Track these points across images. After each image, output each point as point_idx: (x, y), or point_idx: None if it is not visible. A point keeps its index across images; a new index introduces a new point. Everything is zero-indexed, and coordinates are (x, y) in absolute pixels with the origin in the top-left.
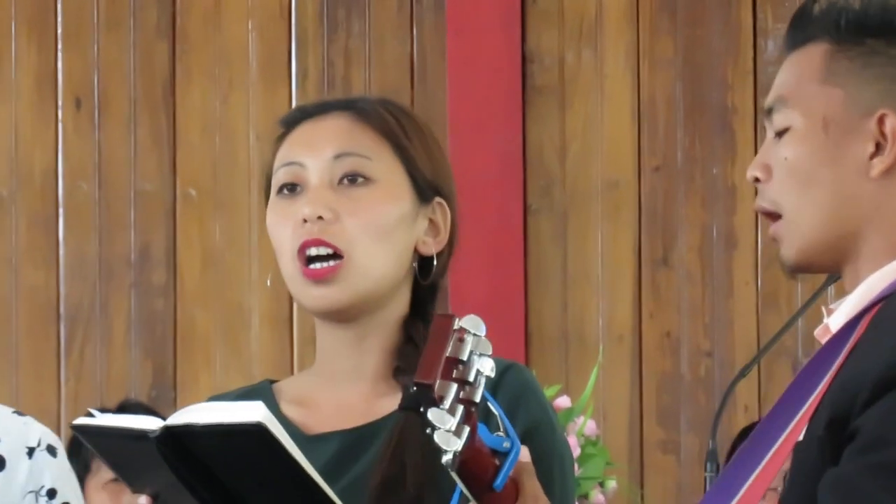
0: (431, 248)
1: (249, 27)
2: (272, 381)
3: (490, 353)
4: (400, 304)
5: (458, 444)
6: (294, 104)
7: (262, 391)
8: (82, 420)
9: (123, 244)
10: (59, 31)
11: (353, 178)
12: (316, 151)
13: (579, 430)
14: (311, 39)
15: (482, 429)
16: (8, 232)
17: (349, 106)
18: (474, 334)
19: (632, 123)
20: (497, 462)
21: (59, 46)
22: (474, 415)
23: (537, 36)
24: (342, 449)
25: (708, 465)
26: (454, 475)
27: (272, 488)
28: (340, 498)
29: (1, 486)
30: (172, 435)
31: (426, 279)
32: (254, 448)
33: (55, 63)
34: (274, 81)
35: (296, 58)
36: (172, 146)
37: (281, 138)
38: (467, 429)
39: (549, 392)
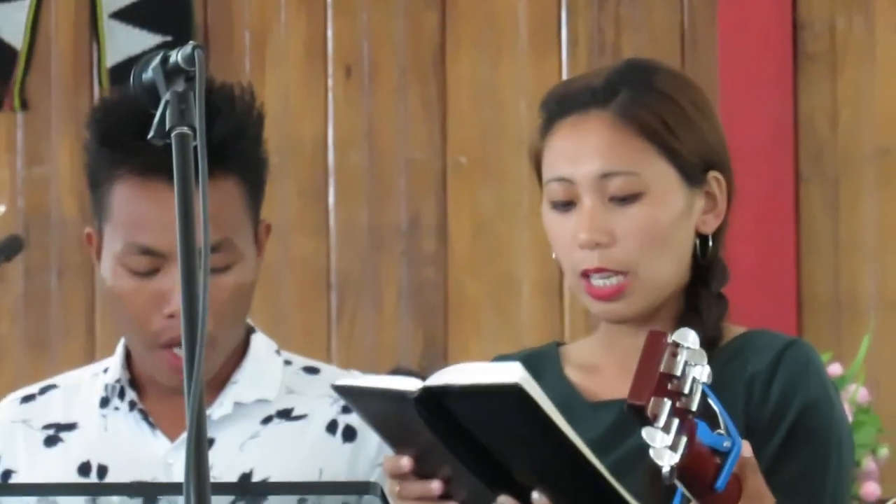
0: (711, 225)
1: None
2: (559, 344)
3: (705, 362)
4: (683, 279)
5: (674, 458)
6: (565, 72)
7: (549, 353)
8: (344, 380)
9: (394, 213)
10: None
11: (623, 199)
12: (582, 166)
13: (851, 398)
14: (582, 6)
15: (703, 427)
16: (279, 201)
17: (608, 100)
18: (687, 347)
19: None
20: (718, 461)
21: (329, 15)
22: (691, 421)
23: (808, 2)
24: (622, 418)
25: None
26: (676, 482)
27: (532, 451)
28: (614, 468)
29: (351, 456)
30: (431, 395)
31: (705, 254)
32: (512, 409)
33: (325, 32)
34: (544, 49)
35: (566, 25)
36: (442, 115)
37: (543, 132)
38: (684, 439)
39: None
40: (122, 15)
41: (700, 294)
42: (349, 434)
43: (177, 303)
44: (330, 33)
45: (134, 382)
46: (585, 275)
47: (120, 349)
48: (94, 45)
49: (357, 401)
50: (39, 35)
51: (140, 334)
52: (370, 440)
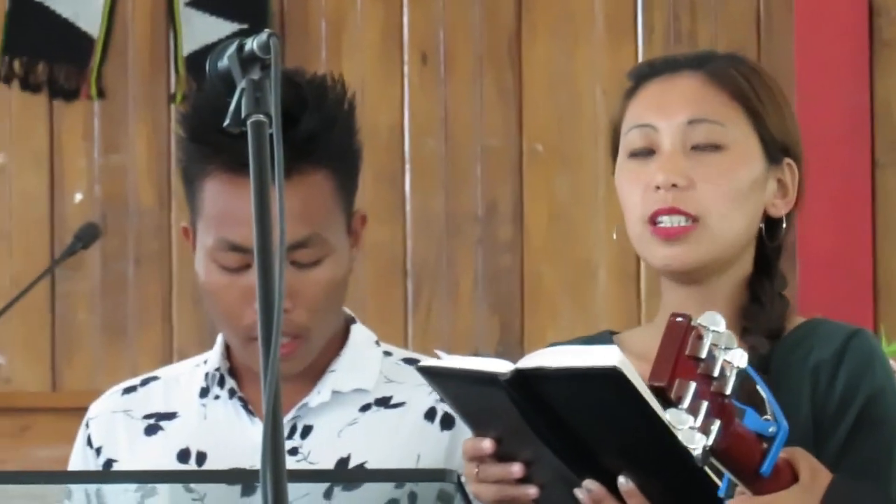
0: (780, 209)
1: None
2: (612, 332)
3: (735, 345)
4: (746, 265)
5: (705, 440)
6: (640, 59)
7: (602, 341)
8: (429, 361)
9: (470, 200)
10: None
11: (706, 147)
12: (668, 114)
13: None
14: None
15: (750, 413)
16: None
17: (700, 65)
18: (714, 330)
19: None
20: (764, 447)
21: (405, 2)
22: (728, 406)
23: None
24: None
25: None
26: (717, 464)
27: (623, 435)
28: None
29: (449, 443)
30: (523, 378)
31: (773, 241)
32: (608, 393)
33: (401, 19)
34: (619, 36)
35: (642, 12)
36: (518, 102)
37: (629, 94)
38: (717, 422)
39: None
40: (198, 3)
41: (764, 287)
42: (448, 422)
43: None
44: (406, 20)
45: (233, 371)
46: (654, 219)
47: (220, 339)
48: (171, 33)
49: (441, 382)
50: (116, 23)
51: (233, 328)
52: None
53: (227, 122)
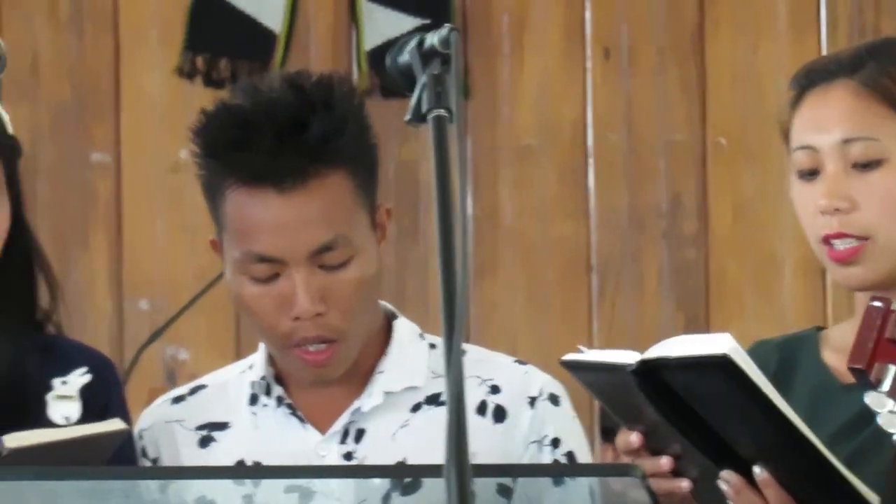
0: None
1: None
2: (820, 328)
3: None
4: None
5: None
6: (824, 53)
7: (808, 338)
8: (570, 356)
9: (654, 194)
10: None
11: (866, 164)
12: (825, 133)
13: None
14: None
15: None
16: (538, 184)
17: (854, 70)
18: None
19: None
20: None
21: None
22: None
23: None
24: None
25: None
26: None
27: (748, 424)
28: (853, 453)
29: (502, 437)
30: (649, 369)
31: None
32: (723, 381)
33: (582, 14)
34: (803, 30)
35: (825, 6)
36: (702, 96)
37: (794, 104)
38: None
39: None
40: None
41: None
42: (500, 414)
43: (301, 305)
44: (588, 15)
45: (279, 377)
46: (826, 240)
47: (263, 345)
48: (353, 29)
49: (583, 376)
50: (298, 19)
51: (271, 337)
52: (522, 418)
53: (408, 118)
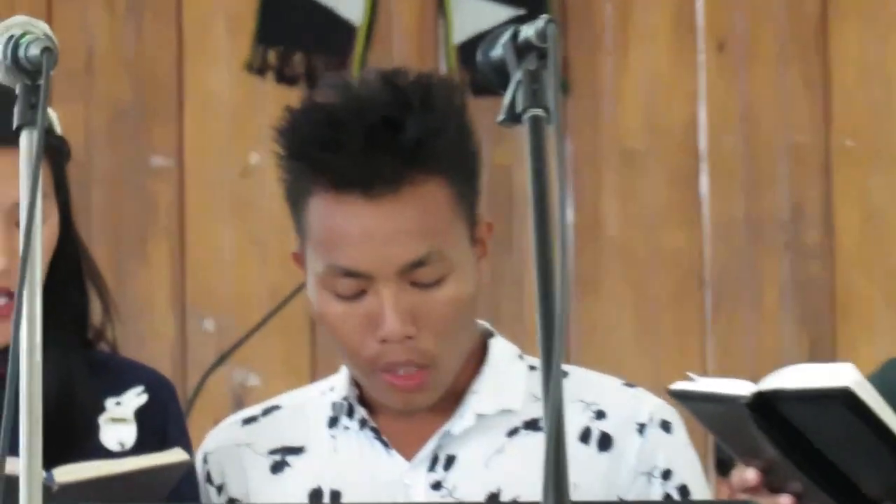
0: None
1: None
2: None
3: None
4: None
5: None
6: None
7: None
8: (679, 384)
9: (773, 202)
10: None
11: None
12: None
13: None
14: None
15: None
16: (646, 190)
17: None
18: None
19: None
20: None
21: None
22: None
23: None
24: None
25: None
26: None
27: (874, 462)
28: None
29: (607, 467)
30: (766, 401)
31: None
32: (846, 416)
33: (694, 2)
34: None
35: None
36: (826, 93)
37: None
38: None
39: None
40: None
41: None
42: (605, 442)
43: (389, 326)
44: (700, 4)
45: (363, 399)
46: None
47: (345, 367)
48: (440, 20)
49: (692, 407)
50: (380, 10)
51: (355, 359)
52: (630, 446)
53: (501, 118)
